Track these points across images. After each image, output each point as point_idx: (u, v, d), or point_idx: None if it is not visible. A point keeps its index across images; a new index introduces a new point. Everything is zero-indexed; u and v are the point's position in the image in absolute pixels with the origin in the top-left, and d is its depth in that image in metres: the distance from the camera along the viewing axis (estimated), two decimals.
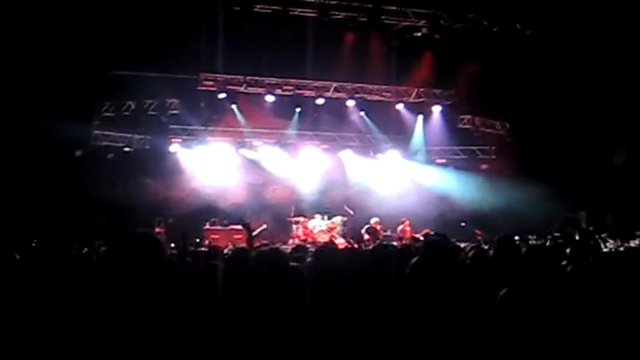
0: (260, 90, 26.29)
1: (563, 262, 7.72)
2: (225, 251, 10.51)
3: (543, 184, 23.01)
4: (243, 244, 15.67)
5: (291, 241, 23.93)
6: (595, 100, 23.26)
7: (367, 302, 5.79)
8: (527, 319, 4.42)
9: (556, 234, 17.59)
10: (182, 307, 5.18)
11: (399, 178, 28.03)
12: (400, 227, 24.01)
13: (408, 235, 23.02)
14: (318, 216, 25.60)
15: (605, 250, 14.80)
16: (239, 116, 26.50)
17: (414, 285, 6.60)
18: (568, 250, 9.17)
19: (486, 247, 13.89)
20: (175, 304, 4.79)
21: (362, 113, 27.59)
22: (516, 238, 18.30)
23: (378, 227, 24.14)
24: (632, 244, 18.62)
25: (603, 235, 20.01)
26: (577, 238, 13.53)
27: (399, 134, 28.68)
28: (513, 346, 4.35)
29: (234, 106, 26.22)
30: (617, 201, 23.79)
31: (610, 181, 23.80)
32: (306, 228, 25.29)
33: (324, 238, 24.02)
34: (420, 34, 26.04)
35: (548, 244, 14.23)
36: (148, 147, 26.20)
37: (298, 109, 27.24)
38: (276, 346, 5.32)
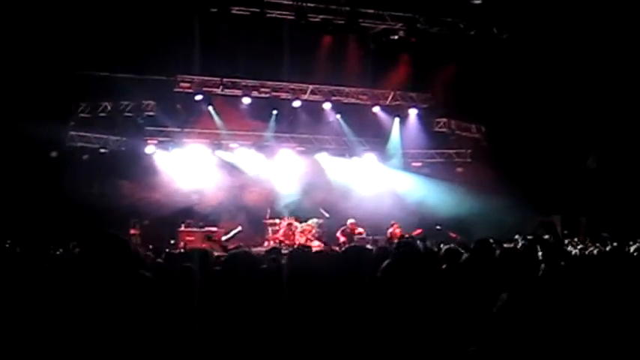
0: (237, 92, 26.22)
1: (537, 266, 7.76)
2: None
3: (518, 188, 23.12)
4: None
5: (266, 244, 23.93)
6: (569, 104, 23.41)
7: (339, 304, 5.79)
8: (530, 323, 4.43)
9: (529, 237, 17.65)
10: (152, 308, 5.18)
11: (375, 181, 28.10)
12: (390, 230, 23.91)
13: (395, 238, 22.97)
14: (293, 218, 25.60)
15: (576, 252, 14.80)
16: (215, 118, 26.44)
17: (385, 288, 6.61)
18: (540, 254, 9.23)
19: (461, 250, 13.94)
20: (146, 304, 4.79)
21: (338, 116, 27.64)
22: (491, 241, 18.37)
23: (356, 230, 24.23)
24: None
25: (576, 240, 20.10)
26: (551, 241, 13.60)
27: (376, 137, 28.72)
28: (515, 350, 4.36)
29: (210, 108, 26.17)
30: (591, 204, 23.94)
31: (584, 184, 23.95)
32: (282, 230, 25.28)
33: (299, 241, 24.06)
34: (396, 37, 26.12)
35: (520, 247, 14.24)
36: (123, 148, 26.06)
37: (275, 112, 27.23)
38: (247, 348, 5.30)
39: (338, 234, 24.00)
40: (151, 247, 19.79)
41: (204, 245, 20.78)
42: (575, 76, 23.16)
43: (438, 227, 24.46)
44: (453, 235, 23.00)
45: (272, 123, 27.44)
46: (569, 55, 23.15)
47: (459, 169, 28.32)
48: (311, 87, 26.86)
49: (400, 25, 25.75)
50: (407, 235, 22.08)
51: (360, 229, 24.58)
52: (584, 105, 23.56)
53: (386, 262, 7.14)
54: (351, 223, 24.30)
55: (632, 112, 22.58)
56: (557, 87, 23.55)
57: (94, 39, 21.91)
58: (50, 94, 22.05)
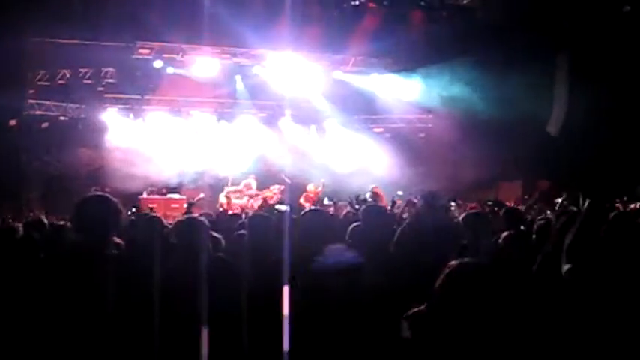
0: (197, 58, 26.03)
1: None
2: None
3: (479, 152, 23.22)
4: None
5: (229, 211, 23.87)
6: (529, 70, 23.44)
7: (301, 270, 5.76)
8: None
9: (489, 202, 17.74)
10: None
11: (337, 146, 28.20)
12: (369, 194, 23.64)
13: (384, 201, 22.80)
14: (255, 184, 25.54)
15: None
16: (177, 82, 26.33)
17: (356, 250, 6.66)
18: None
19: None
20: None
21: (301, 81, 27.52)
22: (452, 204, 18.57)
23: (318, 194, 24.27)
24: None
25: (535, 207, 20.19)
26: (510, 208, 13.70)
27: (337, 102, 28.68)
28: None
29: (171, 73, 25.99)
30: (551, 170, 24.08)
31: (545, 149, 24.06)
32: (243, 197, 25.22)
33: (261, 207, 24.01)
34: (357, 3, 26.06)
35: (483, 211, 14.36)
36: (83, 116, 25.91)
37: (236, 78, 27.14)
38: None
39: (301, 200, 23.97)
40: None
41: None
42: (538, 39, 23.16)
43: (400, 193, 24.58)
44: (415, 202, 23.08)
45: (233, 89, 27.38)
46: (531, 17, 23.13)
47: (421, 135, 28.41)
48: (272, 52, 26.67)
49: None
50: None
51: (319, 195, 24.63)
52: (544, 69, 23.66)
53: (354, 224, 7.22)
54: (313, 191, 24.39)
55: (594, 76, 22.63)
56: (518, 51, 23.55)
57: (52, 5, 21.65)
58: (7, 62, 21.75)
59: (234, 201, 24.41)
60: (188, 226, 6.22)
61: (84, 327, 4.55)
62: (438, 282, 4.05)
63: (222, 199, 24.41)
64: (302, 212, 7.10)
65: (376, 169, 26.22)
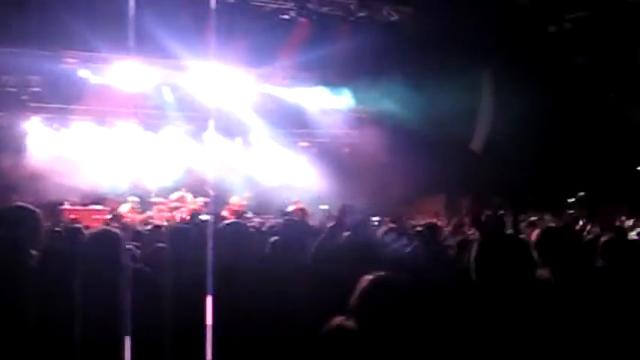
0: (125, 68, 25.79)
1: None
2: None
3: (406, 167, 23.42)
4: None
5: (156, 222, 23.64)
6: (455, 87, 23.72)
7: (224, 282, 5.77)
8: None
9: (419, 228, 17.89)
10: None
11: (263, 159, 28.20)
12: (292, 208, 23.60)
13: (308, 215, 22.69)
14: (190, 197, 25.40)
15: None
16: (103, 92, 26.05)
17: (276, 262, 6.71)
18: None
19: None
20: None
21: (228, 93, 27.43)
22: (376, 219, 18.67)
23: (237, 206, 24.27)
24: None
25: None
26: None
27: (265, 115, 28.66)
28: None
29: (97, 83, 25.73)
30: (474, 185, 24.38)
31: (468, 164, 24.37)
32: (168, 208, 25.04)
33: (185, 219, 23.85)
34: (287, 16, 26.15)
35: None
36: (5, 124, 25.49)
37: (163, 89, 26.97)
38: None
39: (224, 212, 23.85)
40: None
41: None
42: (464, 55, 23.44)
43: (324, 207, 24.66)
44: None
45: (159, 101, 27.20)
46: (458, 34, 23.42)
47: (346, 150, 28.58)
48: (198, 64, 26.54)
49: (291, 4, 25.79)
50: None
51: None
52: (470, 85, 23.98)
53: (274, 238, 7.27)
54: (238, 203, 24.40)
55: (518, 93, 22.96)
56: (445, 67, 23.80)
57: None
58: None
59: (137, 216, 23.82)
60: (103, 237, 6.18)
61: (2, 340, 4.50)
62: (353, 295, 4.13)
63: (123, 208, 23.82)
64: (220, 224, 7.13)
65: (302, 182, 26.33)
